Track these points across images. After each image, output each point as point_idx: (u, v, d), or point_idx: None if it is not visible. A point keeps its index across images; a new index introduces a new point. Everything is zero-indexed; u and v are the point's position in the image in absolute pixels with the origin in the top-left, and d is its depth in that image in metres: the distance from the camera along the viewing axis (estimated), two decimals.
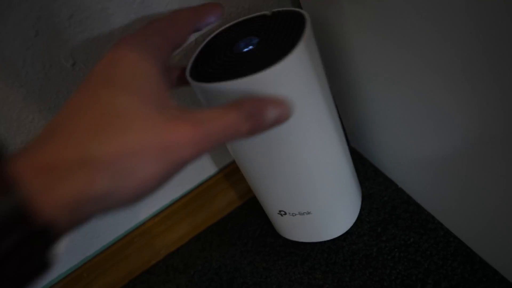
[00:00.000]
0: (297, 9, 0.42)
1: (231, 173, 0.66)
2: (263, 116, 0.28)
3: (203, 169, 0.65)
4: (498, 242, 0.44)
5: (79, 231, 0.58)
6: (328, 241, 0.56)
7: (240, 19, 0.46)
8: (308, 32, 0.38)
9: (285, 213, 0.53)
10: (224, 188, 0.67)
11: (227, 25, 0.46)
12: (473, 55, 0.31)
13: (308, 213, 0.52)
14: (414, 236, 0.52)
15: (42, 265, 0.22)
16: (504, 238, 0.42)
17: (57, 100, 0.48)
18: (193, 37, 0.52)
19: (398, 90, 0.43)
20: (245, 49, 0.41)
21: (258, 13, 0.45)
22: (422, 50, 0.36)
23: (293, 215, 0.53)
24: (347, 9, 0.43)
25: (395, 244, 0.52)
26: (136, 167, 0.23)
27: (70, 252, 0.61)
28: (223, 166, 0.66)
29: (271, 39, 0.40)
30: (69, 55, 0.46)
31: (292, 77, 0.38)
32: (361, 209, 0.57)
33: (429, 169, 0.48)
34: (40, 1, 0.41)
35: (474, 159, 0.39)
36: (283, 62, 0.36)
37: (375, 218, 0.56)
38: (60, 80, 0.47)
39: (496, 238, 0.44)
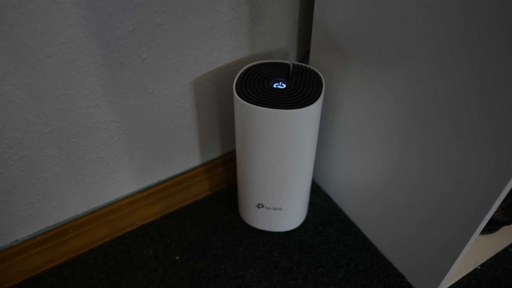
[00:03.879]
0: (314, 69, 0.63)
1: (210, 168, 0.82)
2: None
3: (190, 160, 0.79)
4: (392, 243, 0.70)
5: (78, 192, 0.67)
6: (283, 231, 0.76)
7: (269, 60, 0.65)
8: (323, 91, 0.59)
9: (263, 206, 0.72)
10: (202, 179, 0.82)
11: (258, 62, 0.64)
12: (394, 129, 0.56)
13: (280, 209, 0.72)
14: (342, 235, 0.76)
15: None
16: (394, 242, 0.69)
17: None
18: (228, 60, 0.69)
19: (356, 133, 0.67)
20: (276, 86, 0.59)
21: (282, 60, 0.65)
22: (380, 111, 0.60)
23: (267, 209, 0.72)
24: (345, 69, 0.66)
25: (331, 239, 0.75)
26: None
27: (63, 208, 0.68)
28: (206, 161, 0.81)
29: (296, 87, 0.59)
30: None
31: (310, 118, 0.59)
32: (307, 212, 0.79)
33: (355, 193, 0.73)
34: None
35: (385, 192, 0.64)
36: (308, 107, 0.56)
37: (317, 220, 0.79)
38: None
39: (390, 241, 0.70)
